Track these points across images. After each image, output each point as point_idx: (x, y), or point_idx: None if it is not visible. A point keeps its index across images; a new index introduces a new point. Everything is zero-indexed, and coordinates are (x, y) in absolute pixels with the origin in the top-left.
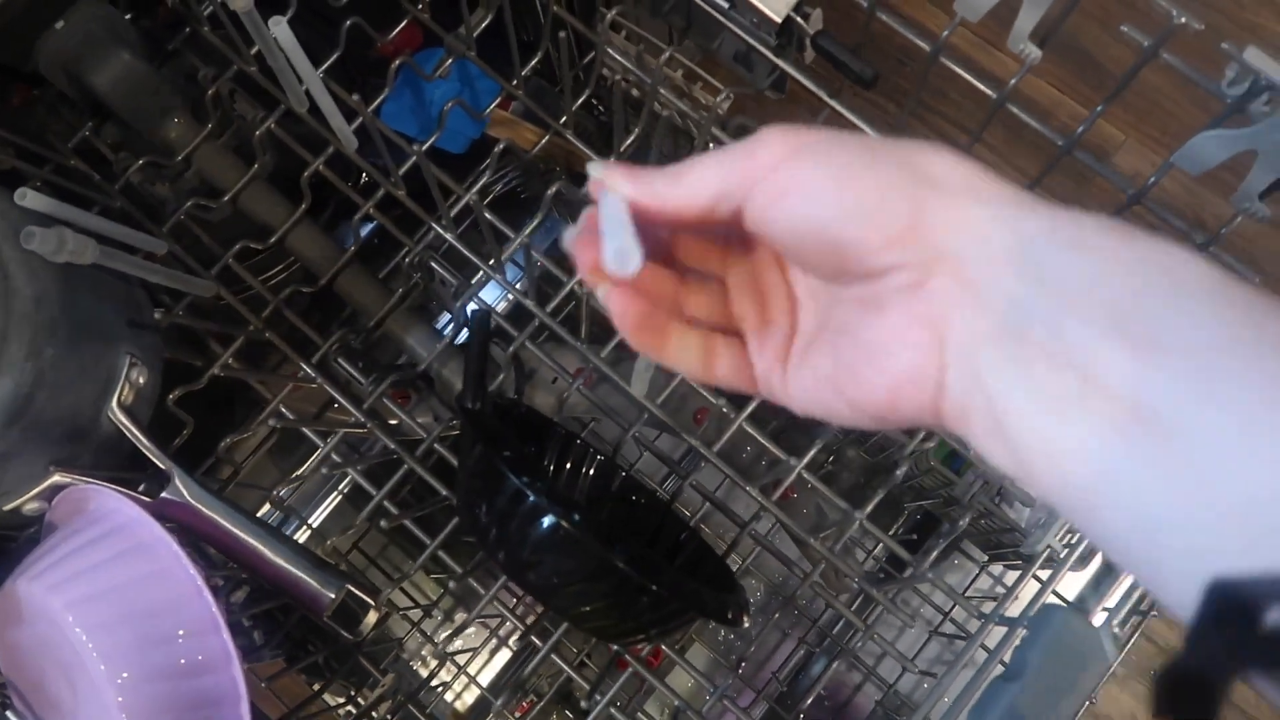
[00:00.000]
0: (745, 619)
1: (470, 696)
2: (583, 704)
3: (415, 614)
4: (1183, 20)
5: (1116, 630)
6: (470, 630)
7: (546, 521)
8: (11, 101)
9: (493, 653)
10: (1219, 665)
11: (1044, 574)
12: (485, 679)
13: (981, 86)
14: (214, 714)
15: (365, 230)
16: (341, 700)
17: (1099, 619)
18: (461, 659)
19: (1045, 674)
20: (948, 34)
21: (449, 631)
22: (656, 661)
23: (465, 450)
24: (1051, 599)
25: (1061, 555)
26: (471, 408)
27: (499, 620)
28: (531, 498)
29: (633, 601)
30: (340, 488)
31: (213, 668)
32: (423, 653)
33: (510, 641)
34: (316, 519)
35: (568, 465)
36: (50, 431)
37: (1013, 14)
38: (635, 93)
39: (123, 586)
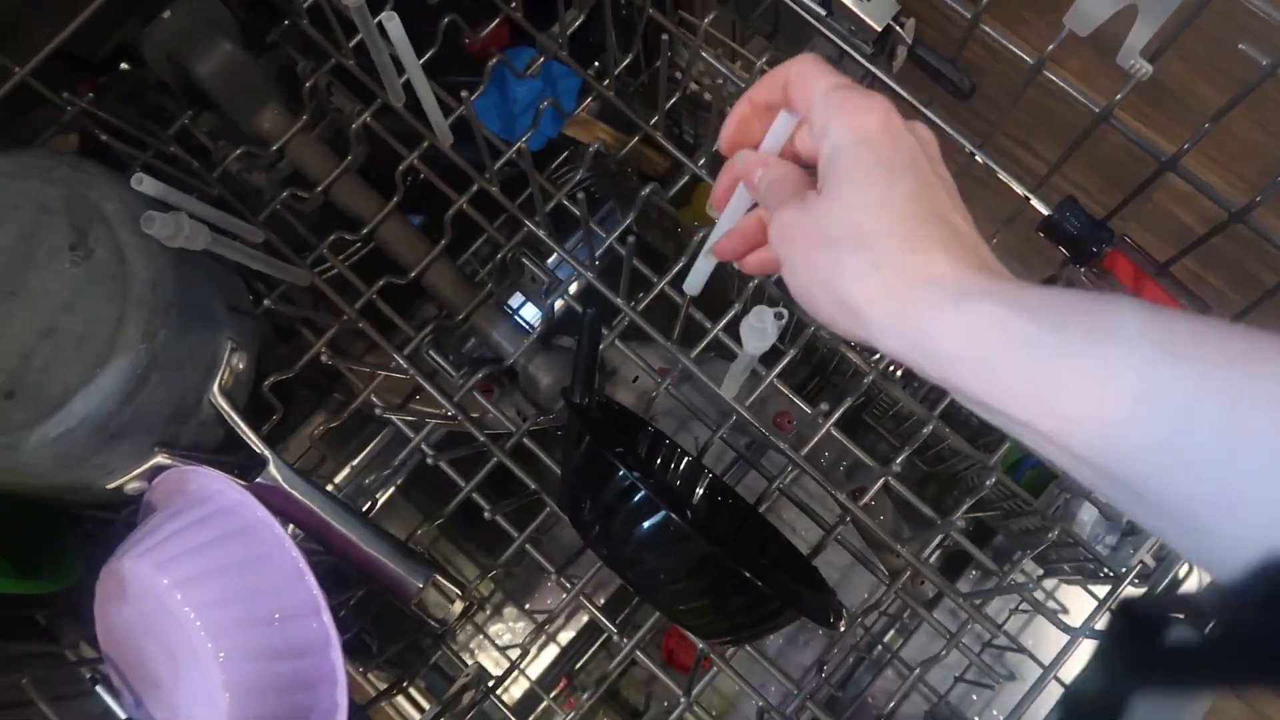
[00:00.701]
0: (841, 622)
1: (518, 690)
2: (634, 704)
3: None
4: None
5: None
6: (519, 624)
7: (657, 518)
8: (79, 91)
9: (540, 649)
10: (1118, 686)
11: (1131, 590)
12: (533, 673)
13: (1085, 101)
14: (311, 696)
15: (417, 220)
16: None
17: None
18: (513, 654)
19: None
20: (1053, 48)
21: (497, 626)
22: (708, 664)
23: (570, 445)
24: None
25: (1153, 569)
26: (580, 403)
27: (545, 616)
28: (644, 492)
29: (730, 600)
30: (395, 480)
31: (312, 650)
32: (471, 645)
33: (558, 638)
34: (372, 511)
35: (657, 462)
36: (157, 413)
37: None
38: (707, 97)
39: (227, 567)
